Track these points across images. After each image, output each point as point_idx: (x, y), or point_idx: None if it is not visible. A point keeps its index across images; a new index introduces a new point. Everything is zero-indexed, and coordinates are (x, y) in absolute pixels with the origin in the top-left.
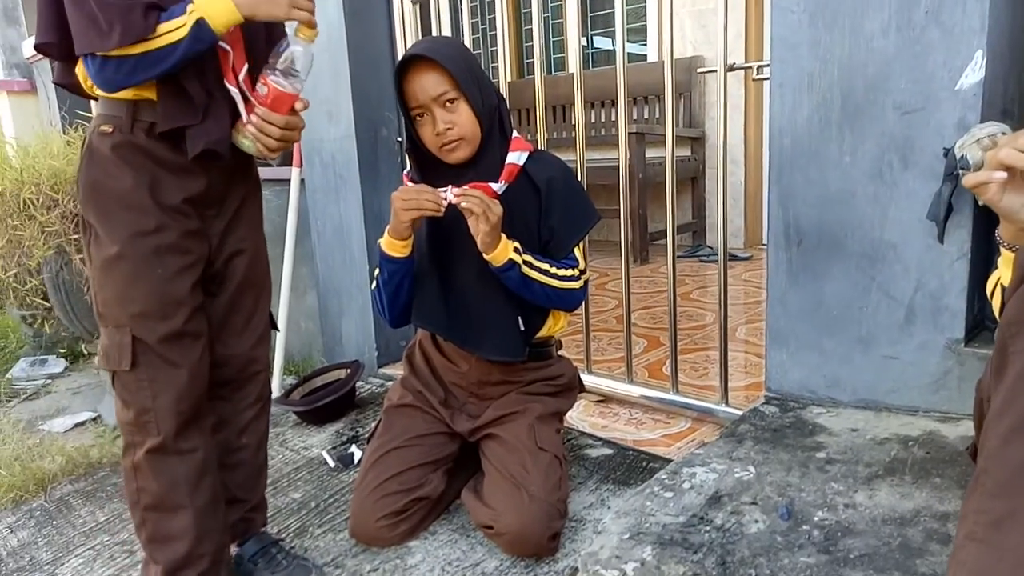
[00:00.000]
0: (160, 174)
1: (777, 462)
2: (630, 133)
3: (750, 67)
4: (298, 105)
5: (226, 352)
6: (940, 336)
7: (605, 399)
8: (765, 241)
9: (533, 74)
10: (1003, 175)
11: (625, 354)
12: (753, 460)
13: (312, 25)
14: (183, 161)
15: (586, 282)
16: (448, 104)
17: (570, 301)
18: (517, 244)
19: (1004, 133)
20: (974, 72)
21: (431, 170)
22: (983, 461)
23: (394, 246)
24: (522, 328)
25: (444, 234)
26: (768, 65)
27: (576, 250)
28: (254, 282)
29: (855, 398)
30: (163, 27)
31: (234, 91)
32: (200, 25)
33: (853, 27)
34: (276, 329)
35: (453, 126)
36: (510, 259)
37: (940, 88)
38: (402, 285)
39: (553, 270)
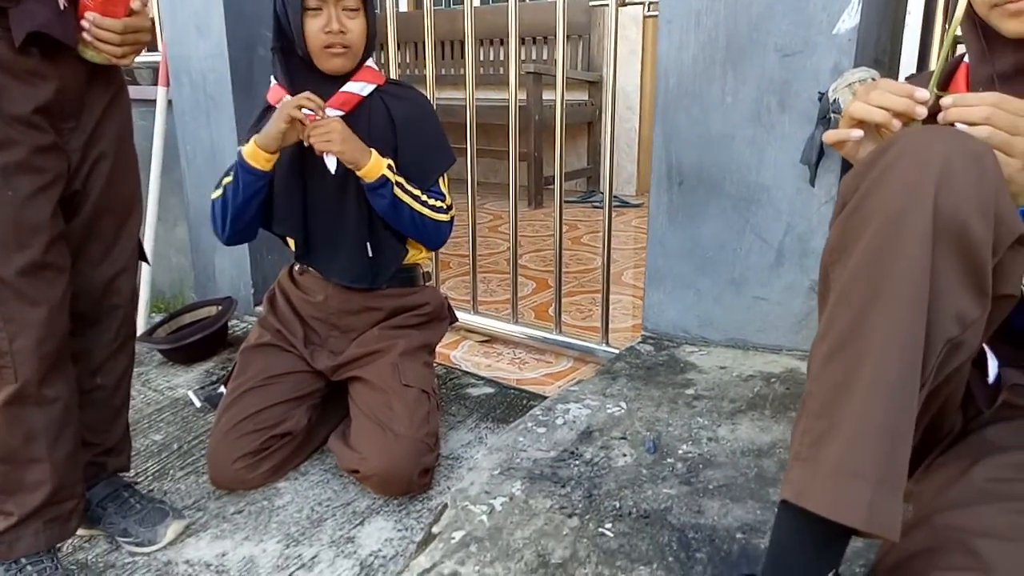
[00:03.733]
0: (3, 81)
1: (648, 398)
2: (527, 73)
3: (642, 2)
4: (135, 4)
5: (81, 282)
6: (805, 278)
7: (490, 339)
8: None
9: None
10: (860, 133)
11: (511, 296)
12: (625, 396)
13: None
14: (29, 63)
15: (452, 219)
16: (348, 12)
17: (436, 235)
18: (391, 162)
19: (874, 79)
20: (850, 17)
21: (300, 79)
22: (808, 384)
23: (259, 157)
24: (370, 255)
25: (307, 152)
26: (658, 1)
27: (441, 183)
28: (117, 205)
29: (726, 337)
30: None
31: None
32: None
33: None
34: (145, 261)
35: (347, 32)
36: (383, 175)
37: (818, 32)
38: (251, 201)
39: (424, 198)
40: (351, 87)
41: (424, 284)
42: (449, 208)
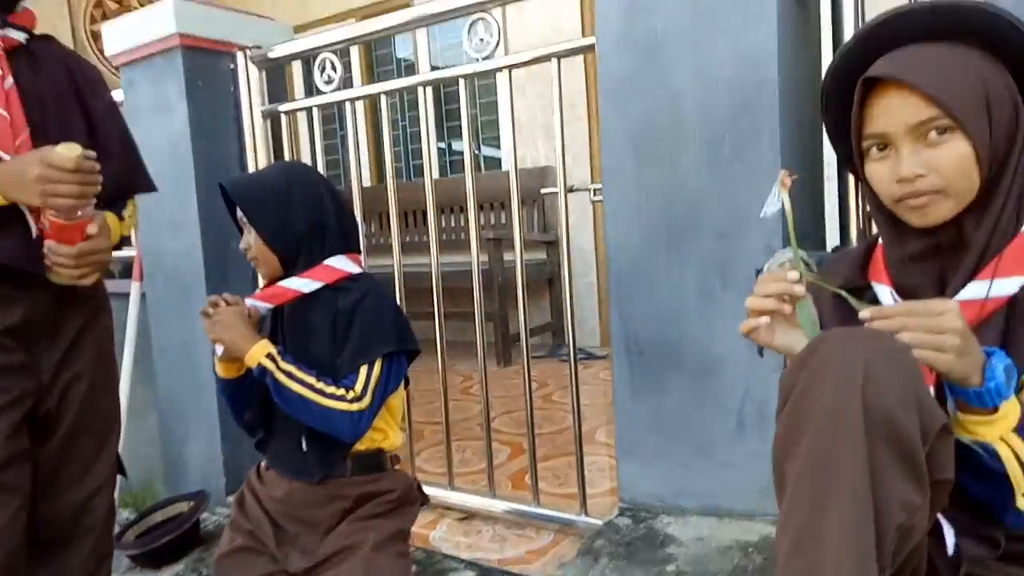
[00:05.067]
0: None
1: None
2: (488, 239)
3: (587, 189)
4: (91, 229)
5: (55, 505)
6: (767, 443)
7: (469, 515)
8: None
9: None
10: (766, 319)
11: (487, 466)
12: None
13: (73, 209)
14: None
15: (360, 413)
16: (248, 228)
17: (334, 424)
18: (273, 351)
19: (803, 257)
20: (772, 203)
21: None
22: (778, 572)
23: (220, 367)
24: (304, 448)
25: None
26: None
27: (362, 372)
28: (94, 425)
29: (700, 504)
30: None
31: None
32: None
33: (672, 161)
34: (123, 475)
35: (249, 247)
36: (260, 363)
37: (748, 216)
38: (234, 404)
39: (318, 385)
40: (288, 282)
41: (391, 468)
42: (356, 399)
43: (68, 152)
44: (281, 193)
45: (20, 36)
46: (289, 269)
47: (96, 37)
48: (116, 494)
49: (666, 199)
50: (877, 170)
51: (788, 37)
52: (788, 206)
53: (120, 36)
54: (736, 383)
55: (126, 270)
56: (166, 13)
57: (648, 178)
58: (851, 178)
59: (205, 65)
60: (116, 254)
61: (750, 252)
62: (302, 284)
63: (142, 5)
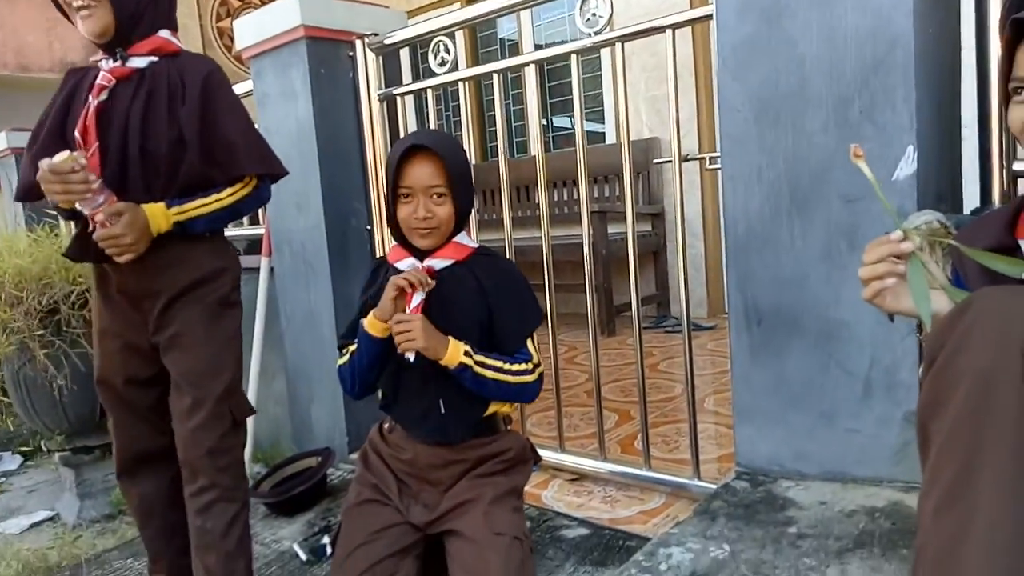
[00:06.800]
0: (107, 272)
1: (751, 539)
2: (592, 212)
3: (703, 158)
4: (98, 218)
5: (178, 433)
6: (897, 409)
7: (579, 477)
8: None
9: (497, 157)
10: (891, 281)
11: (597, 431)
12: (727, 538)
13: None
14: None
15: (541, 374)
16: (436, 196)
17: (525, 395)
18: (468, 348)
19: (938, 220)
20: (907, 165)
21: (408, 247)
22: (920, 537)
23: (376, 327)
24: (442, 411)
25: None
26: (719, 156)
27: (529, 343)
28: (194, 376)
29: (822, 470)
30: None
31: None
32: None
33: (795, 125)
34: (235, 424)
35: (433, 215)
36: (461, 363)
37: (878, 179)
38: (375, 363)
39: (507, 367)
40: (430, 262)
41: (505, 429)
42: (536, 366)
43: (62, 159)
44: (468, 165)
45: (140, 63)
46: (444, 243)
47: (222, 33)
48: (248, 448)
49: (789, 163)
50: (1015, 112)
51: None
52: (871, 175)
53: (249, 30)
54: (862, 348)
55: (255, 246)
56: (292, 7)
57: (770, 143)
58: (994, 138)
59: (326, 53)
60: (243, 232)
61: (881, 216)
62: (435, 262)
63: (262, 2)
